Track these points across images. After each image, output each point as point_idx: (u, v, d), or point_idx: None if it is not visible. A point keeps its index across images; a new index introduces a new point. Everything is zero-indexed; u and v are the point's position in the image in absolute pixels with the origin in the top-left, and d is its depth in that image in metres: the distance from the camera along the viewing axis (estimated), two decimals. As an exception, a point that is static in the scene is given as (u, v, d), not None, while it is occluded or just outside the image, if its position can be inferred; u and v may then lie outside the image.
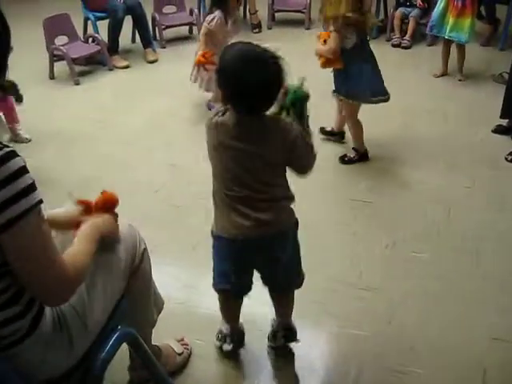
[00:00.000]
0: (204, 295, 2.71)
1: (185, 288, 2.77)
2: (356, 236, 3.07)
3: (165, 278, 2.59)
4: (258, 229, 2.00)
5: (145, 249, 1.98)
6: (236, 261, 2.13)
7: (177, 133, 4.28)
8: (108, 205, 1.84)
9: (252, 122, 1.95)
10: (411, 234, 3.07)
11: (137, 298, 1.95)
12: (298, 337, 2.37)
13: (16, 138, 4.17)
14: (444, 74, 5.11)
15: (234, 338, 2.39)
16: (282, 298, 2.33)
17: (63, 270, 1.41)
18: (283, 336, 2.37)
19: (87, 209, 1.82)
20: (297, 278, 2.26)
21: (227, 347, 2.39)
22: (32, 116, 4.33)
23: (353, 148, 3.78)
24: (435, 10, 4.89)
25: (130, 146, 4.10)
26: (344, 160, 3.77)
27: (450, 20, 4.74)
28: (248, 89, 1.85)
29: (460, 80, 5.00)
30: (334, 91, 3.69)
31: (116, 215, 1.85)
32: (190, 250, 2.99)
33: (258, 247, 2.07)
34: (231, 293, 2.25)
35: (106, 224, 1.76)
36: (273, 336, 2.41)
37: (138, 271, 1.92)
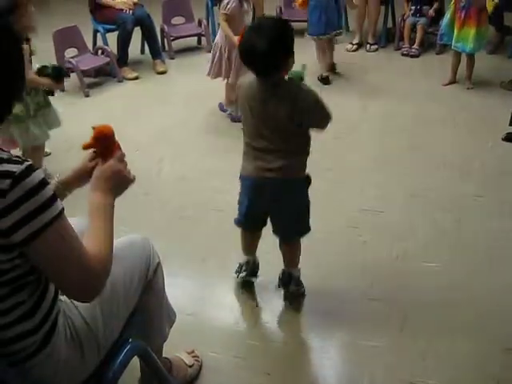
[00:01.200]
0: (214, 307, 2.73)
1: (195, 300, 2.76)
2: (366, 245, 3.06)
3: (174, 289, 2.57)
4: (270, 173, 2.38)
5: (158, 263, 1.98)
6: (251, 196, 2.51)
7: (186, 144, 4.29)
8: (103, 136, 1.81)
9: (267, 85, 2.30)
10: (422, 243, 3.05)
11: (149, 312, 1.95)
12: (311, 348, 2.37)
13: None
14: (452, 82, 5.11)
15: (248, 267, 2.77)
16: (286, 246, 2.64)
17: (92, 266, 1.45)
18: (285, 282, 2.69)
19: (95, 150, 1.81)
20: (298, 229, 2.58)
21: (242, 275, 2.79)
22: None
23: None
24: (444, 19, 4.90)
25: (140, 158, 4.09)
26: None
27: (455, 30, 4.78)
28: (252, 52, 2.20)
29: (468, 88, 5.00)
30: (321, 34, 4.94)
31: (115, 149, 1.84)
32: (199, 262, 2.99)
33: (268, 187, 2.44)
34: (246, 225, 2.66)
35: (109, 172, 1.76)
36: (279, 283, 2.71)
37: (151, 285, 1.92)
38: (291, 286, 2.69)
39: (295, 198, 2.49)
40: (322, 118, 2.37)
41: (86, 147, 1.80)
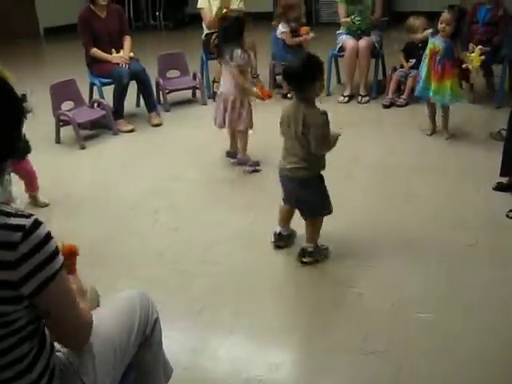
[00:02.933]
0: (210, 360, 2.72)
1: (191, 353, 2.76)
2: (360, 298, 3.08)
3: (170, 342, 2.58)
4: (288, 171, 3.26)
5: (157, 319, 1.99)
6: (282, 186, 3.41)
7: (181, 196, 4.33)
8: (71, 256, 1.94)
9: (297, 102, 3.18)
10: (415, 294, 3.07)
11: (146, 367, 1.96)
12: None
13: (35, 203, 4.20)
14: (434, 131, 5.21)
15: (281, 236, 3.52)
16: (306, 223, 3.39)
17: (88, 317, 1.61)
18: (300, 253, 3.39)
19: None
20: (313, 212, 3.37)
21: (273, 239, 3.53)
22: (39, 180, 4.38)
23: None
24: (421, 74, 5.03)
25: (136, 210, 4.15)
26: None
27: (433, 84, 4.89)
28: (287, 73, 3.27)
29: (447, 139, 5.08)
30: None
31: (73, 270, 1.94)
32: (195, 314, 3.00)
33: (287, 182, 3.33)
34: (284, 202, 3.48)
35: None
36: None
37: (148, 341, 1.94)
38: (305, 258, 3.37)
39: (309, 193, 3.28)
40: (321, 139, 3.10)
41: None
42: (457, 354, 2.63)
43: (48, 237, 1.47)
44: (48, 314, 1.51)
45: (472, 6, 5.93)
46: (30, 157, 4.02)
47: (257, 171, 4.62)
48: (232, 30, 4.42)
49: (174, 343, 2.71)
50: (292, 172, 3.24)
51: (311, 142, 3.11)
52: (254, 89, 4.49)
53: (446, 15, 4.73)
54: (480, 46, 5.20)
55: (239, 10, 6.20)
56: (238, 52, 4.37)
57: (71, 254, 1.94)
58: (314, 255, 3.38)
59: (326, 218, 3.37)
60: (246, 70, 4.54)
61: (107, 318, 1.81)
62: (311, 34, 6.26)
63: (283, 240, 3.54)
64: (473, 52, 5.11)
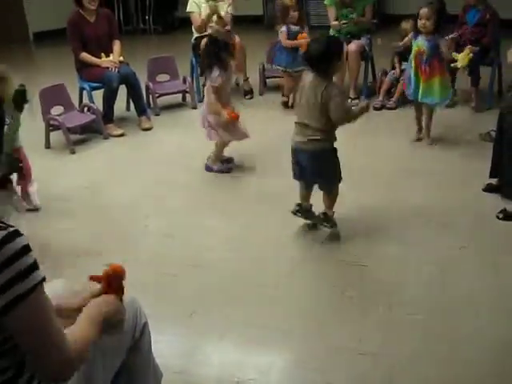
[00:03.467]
0: (202, 364, 2.71)
1: (182, 357, 2.75)
2: (353, 300, 3.08)
3: (161, 346, 2.58)
4: (300, 144, 3.50)
5: (145, 323, 1.98)
6: (293, 159, 3.61)
7: (172, 201, 4.32)
8: (115, 276, 1.79)
9: (315, 77, 3.43)
10: (407, 296, 3.07)
11: (135, 372, 1.95)
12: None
13: (27, 202, 4.11)
14: (420, 136, 5.18)
15: (301, 206, 3.72)
16: (323, 194, 3.69)
17: (65, 349, 1.41)
18: (322, 218, 3.70)
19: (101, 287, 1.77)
20: (326, 185, 3.65)
21: (294, 209, 3.73)
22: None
23: None
24: (408, 76, 5.01)
25: (126, 215, 4.14)
26: None
27: (422, 85, 4.87)
28: (309, 54, 3.49)
29: (430, 144, 5.05)
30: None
31: (122, 291, 1.79)
32: (186, 318, 2.99)
33: (300, 154, 3.54)
34: (297, 178, 3.71)
35: (110, 307, 1.70)
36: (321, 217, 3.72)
37: (137, 346, 1.93)
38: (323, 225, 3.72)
39: (321, 166, 3.54)
40: (339, 111, 3.36)
41: (93, 279, 1.80)
42: (448, 356, 2.63)
43: (23, 251, 1.34)
44: (17, 337, 1.37)
45: (462, 8, 5.96)
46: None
47: (226, 172, 4.70)
48: (214, 53, 4.48)
49: (165, 348, 2.70)
50: (308, 144, 3.46)
51: (331, 110, 3.36)
52: (223, 111, 4.47)
53: (424, 10, 4.71)
54: (469, 46, 5.24)
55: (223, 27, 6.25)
56: (215, 73, 4.43)
57: (115, 276, 1.79)
58: (333, 220, 3.71)
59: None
60: (223, 90, 4.54)
61: None
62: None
63: (302, 212, 3.75)
64: (462, 52, 5.15)
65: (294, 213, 3.74)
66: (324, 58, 3.40)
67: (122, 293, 1.79)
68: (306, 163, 3.55)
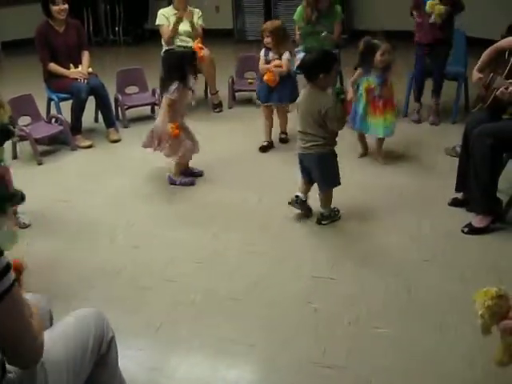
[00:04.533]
0: (169, 378, 2.70)
1: (149, 371, 2.72)
2: (318, 313, 3.09)
3: (128, 361, 2.56)
4: (303, 149, 3.89)
5: (112, 337, 1.97)
6: (300, 165, 4.01)
7: (139, 213, 4.30)
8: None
9: (311, 88, 3.78)
10: (374, 309, 3.10)
11: (102, 387, 1.93)
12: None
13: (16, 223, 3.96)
14: (365, 154, 5.21)
15: (298, 198, 4.01)
16: (320, 193, 4.03)
17: (38, 335, 1.55)
18: (318, 217, 4.03)
19: None
20: (323, 185, 3.99)
21: (292, 199, 4.05)
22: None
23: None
24: (357, 109, 4.94)
25: (93, 227, 4.10)
26: None
27: (370, 119, 4.90)
28: (303, 65, 3.92)
29: (384, 164, 5.03)
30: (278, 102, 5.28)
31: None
32: (153, 332, 2.97)
33: (307, 159, 3.92)
34: (302, 175, 4.06)
35: None
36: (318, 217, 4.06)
37: (104, 360, 1.91)
38: (324, 221, 4.02)
39: (319, 168, 3.87)
40: (336, 117, 3.70)
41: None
42: (414, 369, 2.66)
43: None
44: None
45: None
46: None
47: (189, 185, 4.72)
48: (176, 66, 4.54)
49: (131, 362, 2.68)
50: (312, 149, 3.82)
51: (328, 121, 3.71)
52: (169, 125, 4.53)
53: (385, 45, 4.74)
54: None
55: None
56: (174, 86, 4.47)
57: (15, 270, 1.86)
58: (331, 217, 4.03)
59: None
60: (178, 104, 4.57)
61: (61, 337, 1.78)
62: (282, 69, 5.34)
63: (299, 203, 4.04)
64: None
65: (292, 203, 4.04)
66: (316, 68, 3.71)
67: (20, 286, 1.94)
68: (309, 165, 3.93)
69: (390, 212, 4.15)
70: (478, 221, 3.84)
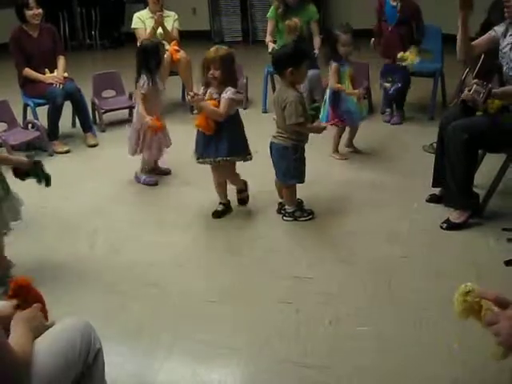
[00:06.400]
0: (151, 383, 2.67)
1: (130, 377, 2.70)
2: (299, 314, 3.08)
3: (108, 367, 2.53)
4: (271, 138, 3.93)
5: (99, 349, 1.95)
6: (270, 154, 3.99)
7: (119, 217, 4.28)
8: (21, 288, 1.94)
9: (281, 82, 3.87)
10: (354, 307, 3.10)
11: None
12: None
13: None
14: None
15: (282, 204, 4.11)
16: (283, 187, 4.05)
17: (15, 358, 1.52)
18: (281, 210, 4.09)
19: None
20: (279, 177, 4.00)
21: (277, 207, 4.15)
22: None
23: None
24: (349, 104, 4.97)
25: (72, 232, 4.07)
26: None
27: (360, 105, 5.08)
28: (273, 56, 4.01)
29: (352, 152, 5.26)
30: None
31: (35, 298, 1.94)
32: (134, 337, 2.95)
33: (270, 148, 3.96)
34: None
35: (31, 319, 1.81)
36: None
37: (90, 372, 1.89)
38: (286, 217, 4.05)
39: (280, 160, 3.90)
40: (288, 118, 3.70)
41: (8, 296, 1.96)
42: (396, 368, 2.66)
43: None
44: None
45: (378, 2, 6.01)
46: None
47: (152, 184, 4.79)
48: (143, 60, 4.58)
49: (112, 369, 2.62)
50: (275, 139, 3.87)
51: (286, 116, 3.71)
52: (147, 118, 4.50)
53: (347, 36, 4.83)
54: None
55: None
56: (142, 80, 4.52)
57: (23, 287, 1.95)
58: (294, 216, 4.02)
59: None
60: (150, 98, 4.58)
61: (45, 347, 1.76)
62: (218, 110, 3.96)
63: (280, 210, 4.10)
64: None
65: (278, 212, 4.11)
66: (284, 61, 3.71)
67: (37, 300, 1.98)
68: (273, 154, 3.94)
69: (368, 209, 4.17)
70: (455, 216, 3.87)
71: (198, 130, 3.97)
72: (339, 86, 4.88)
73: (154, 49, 4.64)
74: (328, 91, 5.00)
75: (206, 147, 3.95)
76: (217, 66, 3.77)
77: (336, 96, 4.92)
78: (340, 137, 5.21)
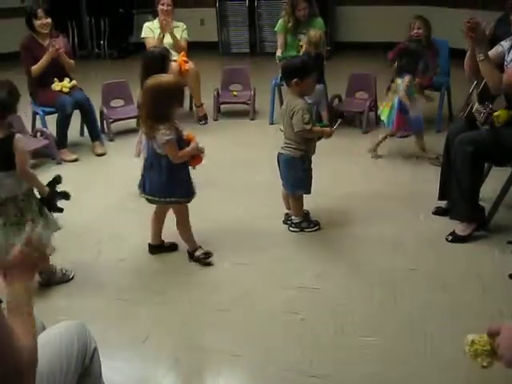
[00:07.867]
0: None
1: (135, 383, 2.72)
2: (304, 323, 3.10)
3: (114, 373, 2.56)
4: (280, 149, 3.95)
5: (95, 348, 1.97)
6: (277, 165, 4.05)
7: (125, 226, 4.30)
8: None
9: (289, 92, 3.92)
10: (359, 318, 3.11)
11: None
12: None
13: None
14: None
15: (288, 216, 4.18)
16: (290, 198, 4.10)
17: (21, 354, 1.46)
18: (287, 221, 4.15)
19: None
20: (287, 188, 4.06)
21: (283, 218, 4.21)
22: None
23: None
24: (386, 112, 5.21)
25: (79, 240, 4.09)
26: None
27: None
28: (282, 68, 4.03)
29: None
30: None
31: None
32: (139, 344, 2.97)
33: (278, 159, 4.01)
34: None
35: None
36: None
37: (87, 372, 1.91)
38: (292, 227, 4.09)
39: (289, 171, 3.94)
40: (297, 126, 3.74)
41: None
42: (400, 378, 2.67)
43: None
44: None
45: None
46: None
47: None
48: (153, 67, 4.48)
49: (117, 374, 2.68)
50: (284, 150, 3.91)
51: (294, 124, 3.75)
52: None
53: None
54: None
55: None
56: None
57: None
58: (301, 227, 4.07)
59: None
60: None
61: (44, 350, 1.78)
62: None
63: (286, 220, 4.17)
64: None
65: (284, 222, 4.17)
66: (291, 73, 3.80)
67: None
68: (281, 165, 4.00)
69: (374, 221, 4.18)
70: (461, 229, 3.88)
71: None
72: (407, 98, 5.09)
73: (159, 55, 4.65)
74: (396, 99, 5.11)
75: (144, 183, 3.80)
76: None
77: (404, 104, 5.11)
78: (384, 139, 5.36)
